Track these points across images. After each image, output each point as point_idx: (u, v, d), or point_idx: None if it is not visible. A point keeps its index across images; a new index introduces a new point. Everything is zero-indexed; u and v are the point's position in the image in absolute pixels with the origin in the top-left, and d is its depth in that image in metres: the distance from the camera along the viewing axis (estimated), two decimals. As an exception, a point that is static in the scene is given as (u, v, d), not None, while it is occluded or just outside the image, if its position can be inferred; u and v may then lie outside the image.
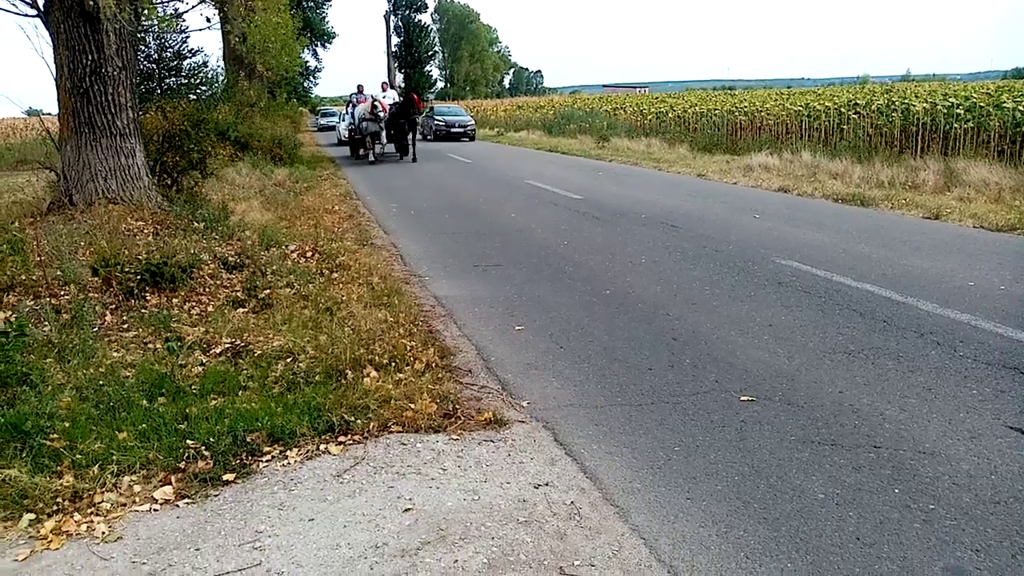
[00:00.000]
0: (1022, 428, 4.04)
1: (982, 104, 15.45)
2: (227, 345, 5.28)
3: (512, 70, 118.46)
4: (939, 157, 14.79)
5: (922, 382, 4.71)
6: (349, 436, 3.96)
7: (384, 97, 23.40)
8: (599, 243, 9.55)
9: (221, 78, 24.16)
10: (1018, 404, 4.34)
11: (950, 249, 8.47)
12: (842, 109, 19.42)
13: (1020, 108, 14.32)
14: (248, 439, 3.84)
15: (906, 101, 17.71)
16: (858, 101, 19.61)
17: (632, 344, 5.61)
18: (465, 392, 4.65)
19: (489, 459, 3.79)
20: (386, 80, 27.29)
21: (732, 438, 4.05)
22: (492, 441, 3.99)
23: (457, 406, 4.36)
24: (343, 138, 30.62)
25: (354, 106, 25.03)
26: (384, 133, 22.99)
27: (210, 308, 6.16)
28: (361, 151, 24.54)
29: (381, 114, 22.15)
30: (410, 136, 23.39)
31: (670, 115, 28.95)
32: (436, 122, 36.20)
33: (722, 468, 3.72)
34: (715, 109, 26.23)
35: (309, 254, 8.35)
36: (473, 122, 37.68)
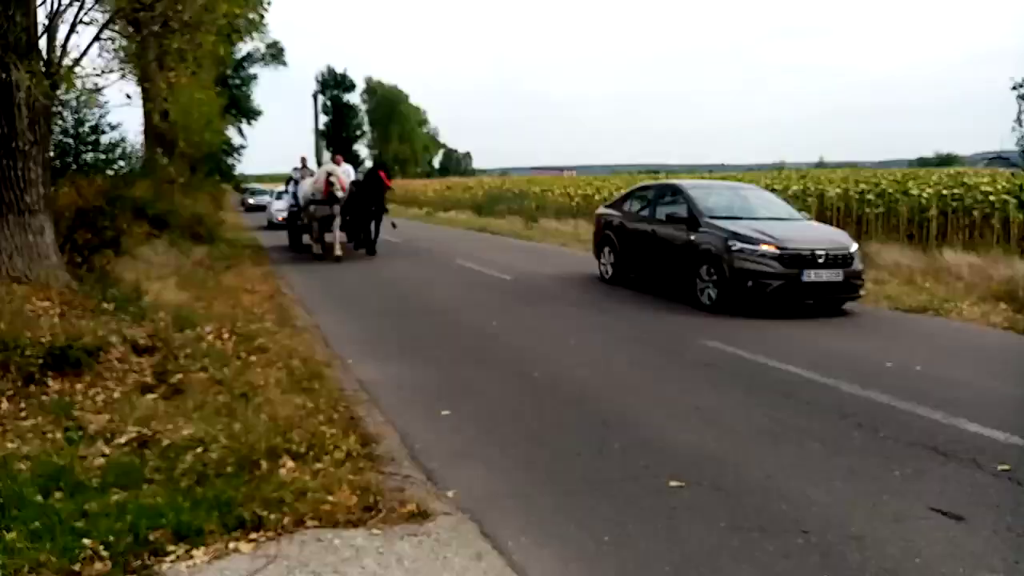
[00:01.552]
0: (943, 509, 4.07)
1: (891, 191, 16.35)
2: (133, 434, 4.94)
3: (442, 151, 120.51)
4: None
5: (846, 464, 4.74)
6: (261, 532, 3.69)
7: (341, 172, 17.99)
8: (528, 324, 9.53)
9: (140, 153, 23.70)
10: (938, 484, 4.40)
11: (868, 330, 8.76)
12: (759, 194, 20.22)
13: (924, 195, 15.20)
14: (151, 537, 3.54)
15: (821, 187, 18.60)
16: (775, 187, 20.50)
17: (561, 428, 5.52)
18: (388, 482, 4.44)
19: (412, 555, 3.58)
20: (338, 155, 21.44)
21: (662, 526, 3.95)
22: (415, 535, 3.79)
23: (379, 498, 4.14)
24: (277, 221, 27.75)
25: (295, 183, 20.20)
26: (338, 219, 17.31)
27: (117, 394, 5.80)
28: (307, 239, 19.44)
29: (339, 193, 16.56)
30: (373, 225, 18.00)
31: (597, 197, 29.67)
32: None
33: (653, 559, 3.61)
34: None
35: (226, 336, 8.02)
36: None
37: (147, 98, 22.61)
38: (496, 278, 13.95)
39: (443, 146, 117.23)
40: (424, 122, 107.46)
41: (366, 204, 17.42)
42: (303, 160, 21.19)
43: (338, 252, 16.98)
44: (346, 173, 18.26)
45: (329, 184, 16.49)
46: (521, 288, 12.54)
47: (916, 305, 10.04)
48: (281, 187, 34.53)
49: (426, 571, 3.45)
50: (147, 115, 25.67)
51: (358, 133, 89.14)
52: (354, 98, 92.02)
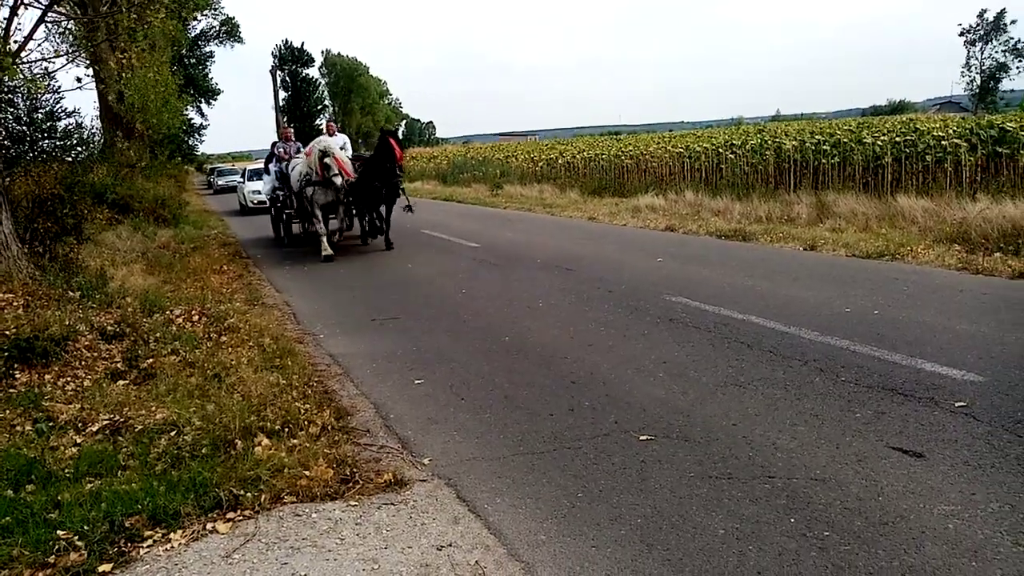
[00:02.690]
0: (903, 448, 4.23)
1: (845, 140, 16.54)
2: (105, 422, 4.94)
3: (404, 121, 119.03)
4: (811, 191, 15.70)
5: (809, 409, 4.88)
6: (239, 512, 3.74)
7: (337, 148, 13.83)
8: (497, 290, 9.58)
9: (98, 138, 23.15)
10: (898, 424, 4.56)
11: (827, 278, 8.93)
12: (720, 149, 20.38)
13: (879, 143, 15.41)
14: (127, 524, 3.57)
15: (778, 140, 18.76)
16: (734, 141, 20.64)
17: (532, 390, 5.60)
18: (363, 454, 4.50)
19: (390, 523, 3.66)
20: (331, 119, 17.98)
21: (634, 479, 4.07)
22: (393, 504, 3.86)
23: (355, 470, 4.21)
24: (252, 204, 25.63)
25: (279, 160, 15.98)
26: (342, 207, 14.39)
27: (87, 383, 5.77)
28: (297, 229, 16.55)
29: (337, 180, 13.07)
30: (385, 210, 14.35)
31: (560, 161, 29.66)
32: None
33: (625, 511, 3.72)
34: (602, 154, 27.04)
35: (196, 318, 7.98)
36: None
37: (100, 80, 22.02)
38: (464, 246, 13.96)
39: (406, 117, 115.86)
40: (385, 93, 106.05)
41: (375, 184, 13.45)
42: (286, 134, 16.59)
43: (326, 251, 13.31)
44: (343, 147, 14.75)
45: (324, 167, 12.95)
46: (489, 255, 12.56)
47: (873, 251, 10.24)
48: (255, 165, 32.06)
49: (404, 538, 3.53)
50: (102, 98, 25.06)
51: (319, 107, 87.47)
52: (313, 72, 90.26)
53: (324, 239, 13.62)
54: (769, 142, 18.72)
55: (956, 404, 4.75)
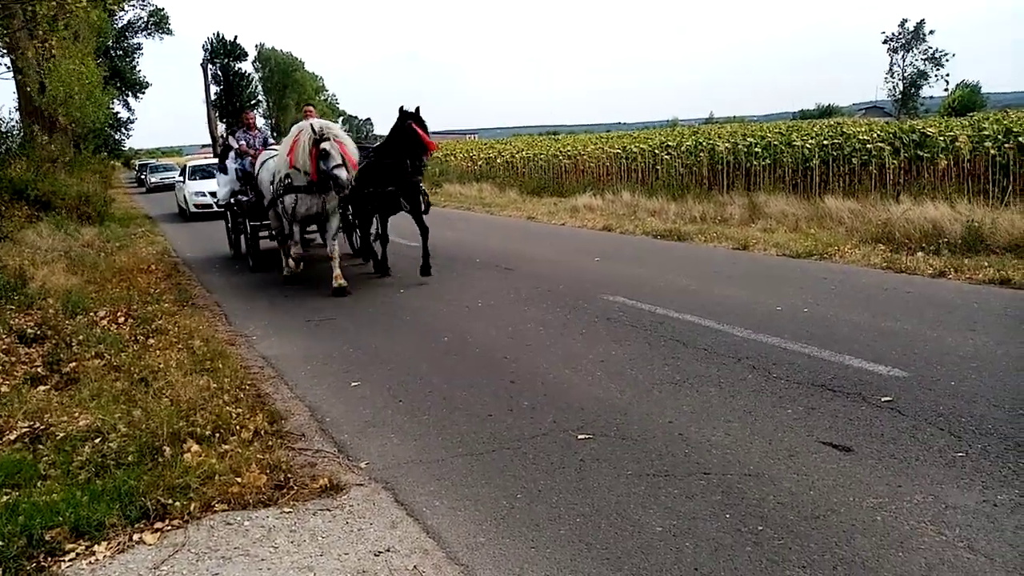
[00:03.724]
0: (833, 442, 4.35)
1: (776, 143, 16.98)
2: (24, 429, 4.72)
3: (341, 118, 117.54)
4: (743, 192, 16.05)
5: (742, 406, 4.98)
6: (167, 521, 3.61)
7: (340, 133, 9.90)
8: (435, 289, 9.51)
9: (16, 132, 22.16)
10: (828, 419, 4.68)
11: (759, 277, 9.14)
12: (656, 151, 20.67)
13: (807, 146, 15.86)
14: (47, 537, 3.41)
15: (712, 142, 19.13)
16: (670, 143, 20.97)
17: (471, 391, 5.57)
18: (298, 459, 4.40)
19: (325, 530, 3.58)
20: (310, 105, 13.88)
21: (572, 478, 4.07)
22: (328, 510, 3.78)
23: (289, 475, 4.11)
24: (194, 209, 21.75)
25: (241, 156, 12.42)
26: (337, 219, 10.27)
27: (4, 388, 5.51)
28: (268, 245, 12.25)
29: (343, 175, 9.03)
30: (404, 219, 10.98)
31: (499, 160, 29.67)
32: None
33: (564, 511, 3.72)
34: (541, 154, 27.15)
35: (121, 319, 7.70)
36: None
37: (18, 71, 21.05)
38: (402, 245, 13.80)
39: (343, 113, 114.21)
40: (321, 89, 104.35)
41: (388, 187, 10.05)
42: (247, 118, 13.17)
43: (340, 281, 9.51)
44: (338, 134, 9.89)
45: (320, 155, 8.94)
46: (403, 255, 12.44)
47: (802, 251, 10.53)
48: (200, 160, 28.35)
49: (340, 545, 3.45)
50: (21, 90, 23.98)
51: (252, 102, 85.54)
52: (246, 66, 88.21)
53: (290, 257, 10.34)
54: (703, 144, 19.08)
55: (882, 399, 4.91)
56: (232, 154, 12.86)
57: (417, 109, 9.80)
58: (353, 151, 9.57)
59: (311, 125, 9.22)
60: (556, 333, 7.03)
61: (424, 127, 9.67)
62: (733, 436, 4.52)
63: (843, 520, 3.49)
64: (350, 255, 12.41)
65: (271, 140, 12.53)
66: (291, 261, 10.40)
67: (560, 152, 26.02)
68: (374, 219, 11.18)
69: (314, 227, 12.23)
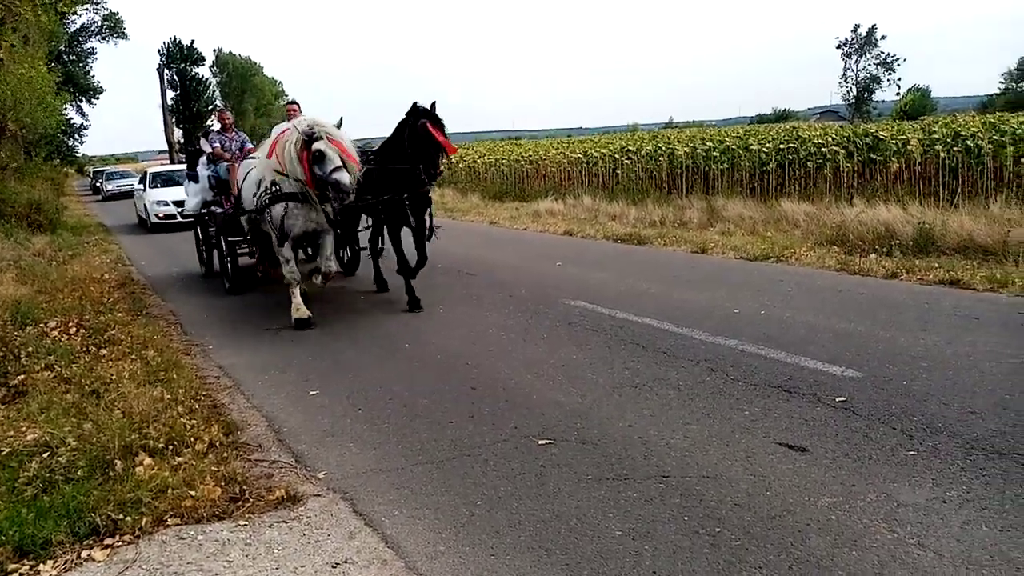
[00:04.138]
0: (789, 443, 4.40)
1: (734, 147, 17.22)
2: (-33, 446, 4.56)
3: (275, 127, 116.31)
4: (702, 196, 16.25)
5: (701, 408, 5.02)
6: (117, 537, 3.52)
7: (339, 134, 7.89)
8: (396, 296, 9.44)
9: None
10: (784, 420, 4.74)
11: (717, 280, 9.25)
12: (616, 155, 20.82)
13: (764, 150, 16.12)
14: (-10, 557, 3.30)
15: (671, 146, 19.34)
16: (630, 147, 21.14)
17: (432, 398, 5.54)
18: (254, 470, 4.33)
19: (282, 542, 3.52)
20: (294, 103, 10.69)
21: (532, 484, 4.07)
22: (285, 522, 3.72)
23: (245, 487, 4.04)
24: (157, 219, 20.15)
25: (216, 161, 10.83)
26: (331, 236, 8.66)
27: (-54, 404, 5.33)
28: (247, 261, 11.00)
29: (346, 181, 7.43)
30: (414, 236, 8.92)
31: (461, 165, 29.62)
32: None
33: (524, 517, 3.72)
34: (503, 159, 27.18)
35: (73, 330, 7.51)
36: None
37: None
38: (365, 251, 13.70)
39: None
40: (281, 94, 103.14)
41: (396, 195, 8.51)
42: (222, 114, 11.58)
43: (300, 310, 8.11)
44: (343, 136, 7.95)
45: (313, 159, 7.45)
46: (389, 260, 12.36)
47: (760, 253, 10.68)
48: (160, 167, 26.69)
49: (297, 557, 3.40)
50: (-32, 94, 23.32)
51: (210, 108, 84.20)
52: (204, 71, 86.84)
53: (296, 291, 8.23)
54: (663, 149, 19.28)
55: (836, 399, 4.99)
56: (204, 159, 11.26)
57: (433, 106, 8.19)
58: (352, 149, 7.90)
59: (299, 128, 7.58)
60: (517, 338, 7.03)
61: (441, 127, 8.14)
62: (692, 439, 4.55)
63: (799, 520, 3.53)
64: (340, 273, 10.58)
65: (249, 143, 11.02)
66: (299, 297, 8.17)
67: (522, 157, 26.08)
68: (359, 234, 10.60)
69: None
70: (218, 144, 10.82)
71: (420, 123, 8.04)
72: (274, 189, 8.06)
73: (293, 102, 10.45)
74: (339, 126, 7.85)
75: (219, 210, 10.49)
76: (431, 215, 8.94)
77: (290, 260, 8.22)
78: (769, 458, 4.23)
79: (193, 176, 11.73)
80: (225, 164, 10.52)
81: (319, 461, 4.50)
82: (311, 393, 5.81)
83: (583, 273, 10.27)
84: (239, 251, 10.58)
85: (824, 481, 3.91)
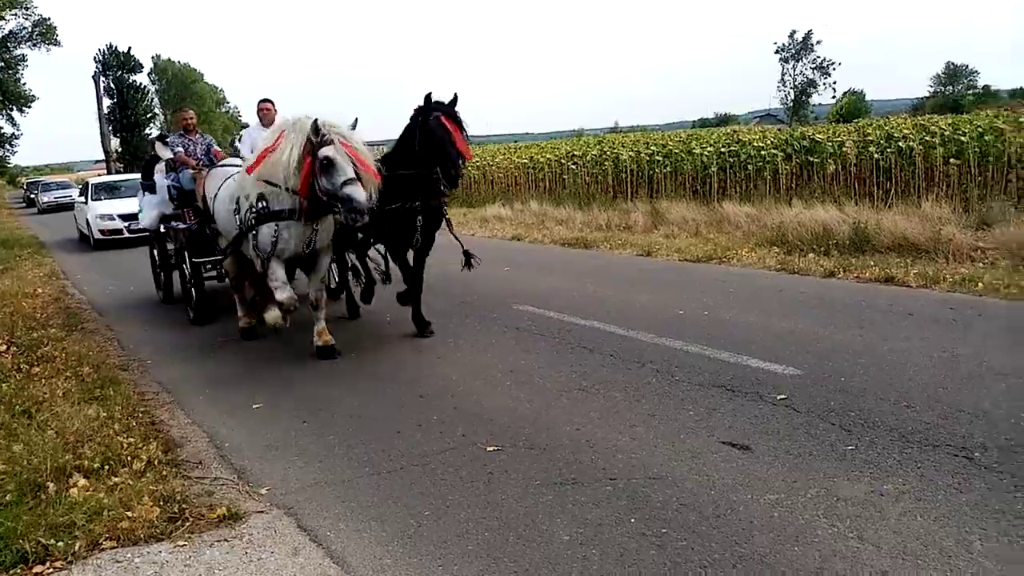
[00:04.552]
0: (732, 441, 4.47)
1: (677, 151, 17.49)
2: None
3: (245, 130, 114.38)
4: (646, 200, 16.45)
5: (647, 409, 5.07)
6: (48, 564, 3.38)
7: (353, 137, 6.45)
8: (343, 306, 9.32)
9: None
10: (728, 419, 4.81)
11: (662, 282, 9.36)
12: (562, 160, 20.96)
13: (706, 153, 16.41)
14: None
15: (616, 151, 19.55)
16: (575, 152, 21.30)
17: (379, 408, 5.47)
18: (195, 488, 4.22)
19: (223, 562, 3.43)
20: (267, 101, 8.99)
21: (481, 492, 4.05)
22: (226, 540, 3.63)
23: (184, 506, 3.92)
24: (101, 235, 18.07)
25: (176, 167, 9.39)
26: (328, 258, 7.41)
27: None
28: (220, 282, 9.74)
29: (359, 198, 6.00)
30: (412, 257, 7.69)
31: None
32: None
33: (472, 526, 3.69)
34: (449, 164, 27.09)
35: (3, 348, 7.24)
36: None
37: None
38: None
39: (246, 125, 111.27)
40: (223, 101, 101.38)
41: (405, 205, 7.10)
42: (184, 120, 9.92)
43: (325, 338, 7.02)
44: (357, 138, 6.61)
45: (321, 168, 6.10)
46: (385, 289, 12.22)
47: (703, 255, 10.85)
48: (104, 177, 24.62)
49: None
50: None
51: (148, 115, 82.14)
52: (142, 79, 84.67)
53: (274, 308, 7.01)
54: (608, 153, 19.47)
55: (778, 397, 5.09)
56: (161, 166, 9.79)
57: (453, 100, 6.87)
58: (370, 157, 6.43)
59: (297, 126, 6.25)
60: (466, 344, 7.01)
61: (461, 125, 6.85)
62: (638, 440, 4.59)
63: (742, 518, 3.58)
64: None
65: (216, 146, 9.77)
66: (276, 312, 6.99)
67: (468, 163, 26.06)
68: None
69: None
70: (180, 149, 9.31)
71: (434, 116, 6.69)
72: (260, 207, 6.51)
73: (267, 100, 9.03)
74: (354, 127, 6.43)
75: (181, 225, 9.03)
76: (449, 221, 7.79)
77: (285, 281, 6.63)
78: (713, 457, 4.28)
79: (149, 187, 10.01)
80: (189, 172, 9.14)
81: (262, 476, 4.41)
82: (255, 406, 5.70)
83: (531, 278, 10.30)
84: (206, 272, 9.11)
85: (767, 478, 3.98)
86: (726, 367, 5.79)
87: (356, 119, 6.53)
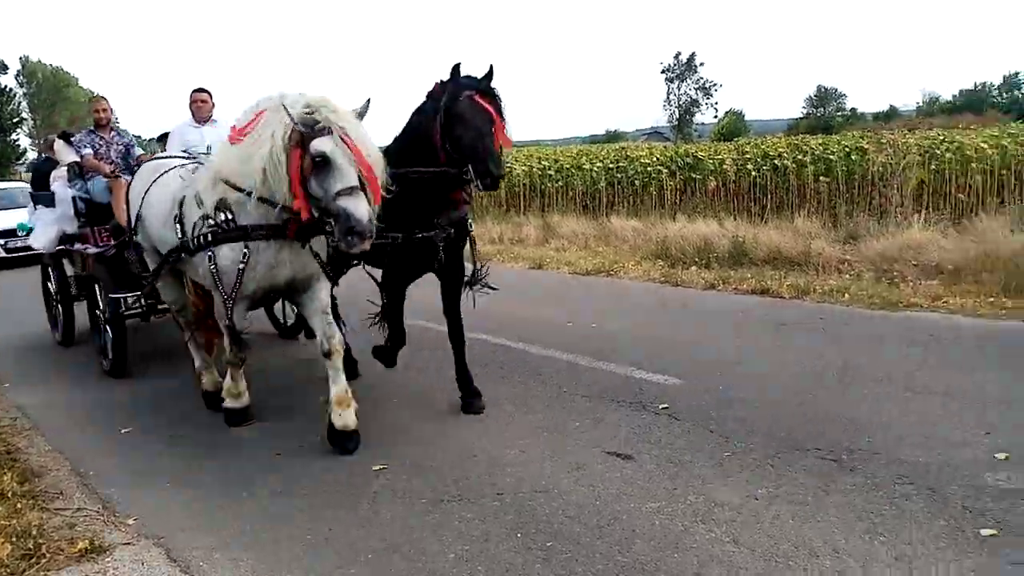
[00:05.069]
0: (616, 452, 4.55)
1: (568, 166, 17.86)
2: None
3: (175, 128, 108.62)
4: (538, 214, 16.70)
5: (535, 422, 5.09)
6: None
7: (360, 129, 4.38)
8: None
9: None
10: (612, 429, 4.90)
11: (552, 295, 9.48)
12: (455, 173, 20.99)
13: (595, 169, 16.83)
14: None
15: (509, 165, 19.74)
16: (468, 166, 21.38)
17: (259, 429, 5.27)
18: (54, 521, 3.93)
19: (82, 599, 3.20)
20: (203, 91, 7.27)
21: (366, 514, 3.95)
22: (87, 576, 3.39)
23: (41, 540, 3.64)
24: None
25: (82, 176, 7.54)
26: (326, 291, 5.18)
27: None
28: (146, 320, 7.56)
29: (357, 210, 4.09)
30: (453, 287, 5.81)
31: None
32: None
33: (357, 550, 3.59)
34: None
35: None
36: None
37: None
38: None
39: (124, 133, 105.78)
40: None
41: (423, 218, 5.11)
42: (97, 113, 7.76)
43: (343, 413, 4.84)
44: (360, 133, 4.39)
45: (314, 165, 4.19)
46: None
47: (592, 268, 11.08)
48: None
49: (100, 613, 3.10)
50: None
51: (15, 120, 76.89)
52: (8, 81, 79.17)
53: (239, 371, 5.34)
54: (500, 167, 19.63)
55: (660, 406, 5.22)
56: (62, 172, 7.89)
57: (488, 74, 4.85)
58: (379, 159, 4.44)
59: (284, 105, 4.26)
60: (357, 356, 6.84)
61: (500, 108, 4.86)
62: (526, 453, 4.60)
63: (625, 527, 3.64)
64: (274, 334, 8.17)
65: (138, 148, 8.05)
66: (239, 377, 5.32)
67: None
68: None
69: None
70: (90, 150, 7.41)
71: (466, 96, 4.73)
72: (221, 219, 4.65)
73: (202, 90, 7.25)
74: (363, 114, 4.47)
75: (91, 248, 7.08)
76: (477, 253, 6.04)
77: (238, 330, 4.97)
78: (599, 468, 4.34)
79: (44, 198, 7.88)
80: (103, 180, 7.23)
81: (130, 505, 4.15)
82: (123, 431, 5.37)
83: (422, 292, 10.12)
84: (128, 309, 6.95)
85: (648, 487, 4.06)
86: (612, 378, 5.91)
87: (368, 101, 4.55)
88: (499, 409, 5.38)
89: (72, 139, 7.90)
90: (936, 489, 3.79)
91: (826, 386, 5.44)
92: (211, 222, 4.68)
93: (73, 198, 7.44)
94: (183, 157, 5.80)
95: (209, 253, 4.70)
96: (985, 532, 3.37)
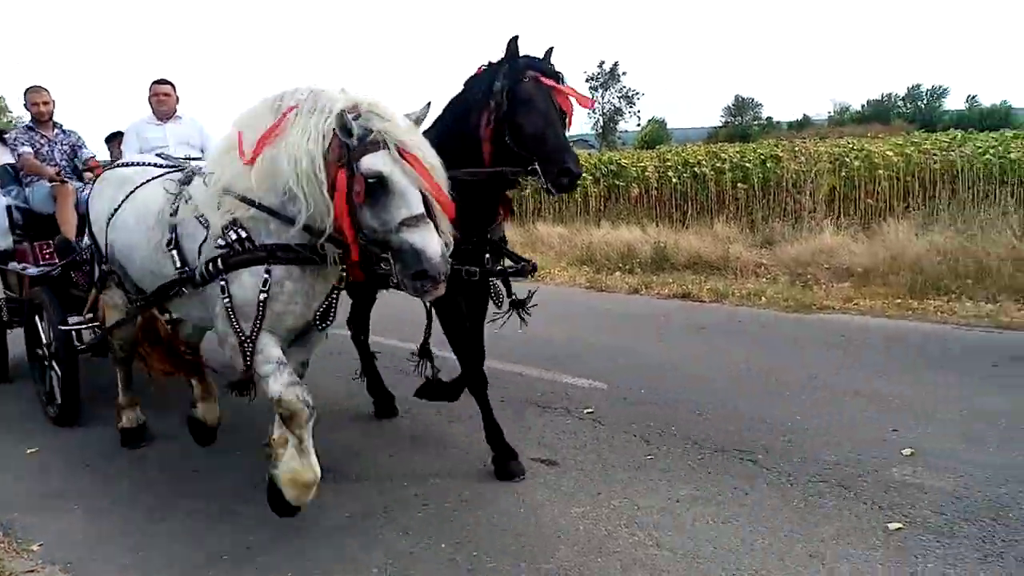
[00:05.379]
0: (542, 457, 4.58)
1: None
2: None
3: (131, 125, 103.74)
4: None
5: (461, 431, 5.08)
6: None
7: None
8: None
9: None
10: (539, 434, 4.94)
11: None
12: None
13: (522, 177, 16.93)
14: None
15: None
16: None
17: (176, 447, 5.07)
18: (-51, 551, 3.70)
19: (-21, 634, 3.03)
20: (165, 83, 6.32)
21: (289, 531, 3.83)
22: (-15, 609, 3.21)
23: (-69, 574, 3.43)
24: None
25: (16, 186, 6.45)
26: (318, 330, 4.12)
27: None
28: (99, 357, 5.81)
29: (429, 248, 3.01)
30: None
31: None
32: None
33: (276, 569, 3.51)
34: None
35: None
36: None
37: None
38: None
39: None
40: (5, 110, 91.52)
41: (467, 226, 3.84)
42: (36, 105, 6.42)
43: (294, 475, 3.71)
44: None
45: (367, 190, 3.05)
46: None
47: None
48: None
49: (0, 648, 2.94)
50: None
51: (-95, 125, 72.79)
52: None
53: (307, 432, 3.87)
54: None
55: (585, 411, 5.28)
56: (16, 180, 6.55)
57: (548, 53, 4.02)
58: (444, 176, 3.23)
59: (317, 99, 3.26)
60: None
61: (559, 78, 3.98)
62: (452, 463, 4.59)
63: (550, 533, 3.66)
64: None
65: (88, 150, 6.75)
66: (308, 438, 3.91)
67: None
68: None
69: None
70: (29, 149, 6.27)
71: (530, 77, 3.84)
72: (233, 238, 3.49)
73: (164, 82, 6.33)
74: (420, 120, 3.37)
75: (32, 271, 5.94)
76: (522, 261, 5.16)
77: (282, 362, 3.72)
78: (525, 474, 4.35)
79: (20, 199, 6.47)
80: (46, 185, 6.15)
81: (35, 530, 3.95)
82: (28, 451, 5.10)
83: (343, 299, 10.05)
84: (81, 343, 5.47)
85: (573, 492, 4.10)
86: (539, 383, 5.95)
87: (428, 104, 3.46)
88: (424, 418, 5.35)
89: (6, 137, 6.69)
90: (848, 486, 3.95)
91: (746, 388, 5.61)
92: (223, 243, 3.49)
93: (8, 207, 6.26)
94: (164, 164, 4.38)
95: (221, 282, 3.51)
96: (892, 526, 3.53)
